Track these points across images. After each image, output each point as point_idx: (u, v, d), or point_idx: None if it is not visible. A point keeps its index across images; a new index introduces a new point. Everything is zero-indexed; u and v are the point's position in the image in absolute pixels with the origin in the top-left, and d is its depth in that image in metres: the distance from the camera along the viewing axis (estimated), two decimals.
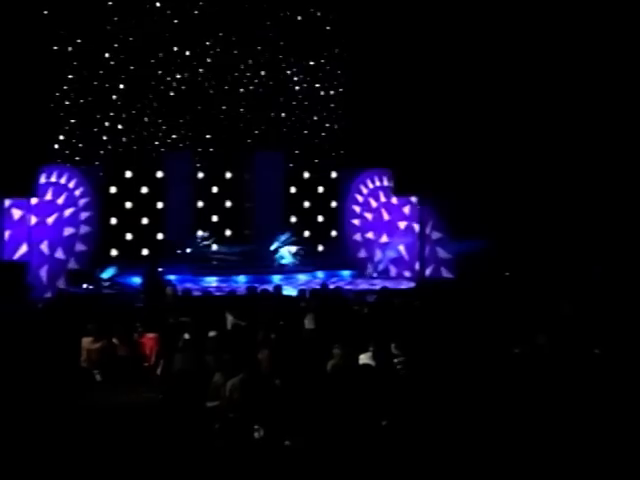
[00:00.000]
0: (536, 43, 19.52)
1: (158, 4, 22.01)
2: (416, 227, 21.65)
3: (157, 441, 8.35)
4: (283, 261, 21.96)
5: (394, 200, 22.34)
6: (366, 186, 23.00)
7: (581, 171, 19.23)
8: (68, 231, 19.48)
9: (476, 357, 9.34)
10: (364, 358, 9.67)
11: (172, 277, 18.50)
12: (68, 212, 19.52)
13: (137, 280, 18.00)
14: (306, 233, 23.33)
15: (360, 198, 23.01)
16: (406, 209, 21.98)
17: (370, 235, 22.84)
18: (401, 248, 21.88)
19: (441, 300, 14.29)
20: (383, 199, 22.64)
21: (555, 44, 19.33)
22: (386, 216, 22.51)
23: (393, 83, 21.37)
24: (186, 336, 11.13)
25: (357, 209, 23.09)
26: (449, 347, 9.94)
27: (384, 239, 22.42)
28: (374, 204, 22.82)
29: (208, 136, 22.87)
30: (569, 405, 8.07)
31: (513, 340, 10.21)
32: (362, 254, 22.90)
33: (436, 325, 11.73)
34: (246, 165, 23.03)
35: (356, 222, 23.07)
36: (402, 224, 22.05)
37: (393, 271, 22.07)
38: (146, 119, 22.09)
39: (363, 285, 20.42)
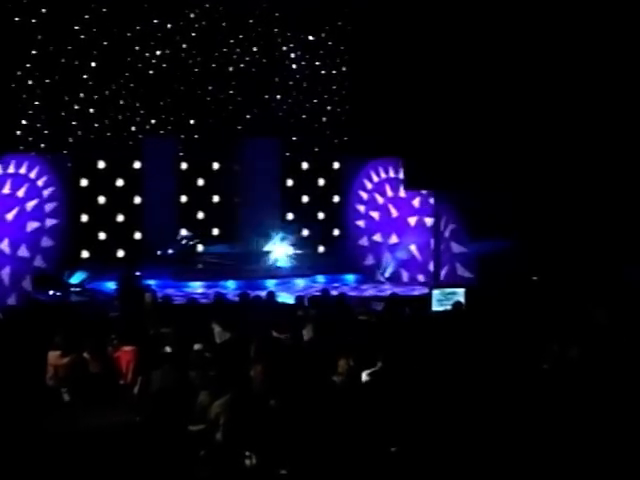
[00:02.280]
0: (565, 16, 19.48)
1: None
2: (428, 221, 21.60)
3: (134, 470, 8.33)
4: (278, 264, 21.95)
5: (402, 193, 22.32)
6: (374, 178, 22.97)
7: (620, 162, 19.19)
8: (32, 226, 19.45)
9: (499, 374, 9.33)
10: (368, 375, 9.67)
11: (151, 282, 18.48)
12: (30, 205, 19.50)
13: (111, 286, 17.98)
14: (305, 232, 23.31)
15: (366, 194, 23.00)
16: (416, 201, 21.95)
17: (378, 236, 22.81)
18: (412, 248, 21.86)
19: (460, 309, 14.28)
20: (391, 193, 22.61)
21: (583, 19, 19.31)
22: (396, 212, 22.48)
23: (404, 60, 21.27)
24: (167, 349, 11.11)
25: (362, 205, 23.07)
26: (469, 362, 9.92)
27: (393, 239, 22.39)
28: (381, 200, 22.80)
29: (192, 121, 22.86)
30: (606, 431, 8.04)
31: (541, 354, 10.20)
32: (369, 256, 22.87)
33: (454, 337, 11.72)
34: (236, 154, 23.00)
35: (361, 223, 23.06)
36: (413, 219, 22.02)
37: (405, 275, 22.05)
38: (121, 101, 22.07)
39: (370, 291, 20.42)
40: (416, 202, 22.03)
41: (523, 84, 19.56)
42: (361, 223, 23.00)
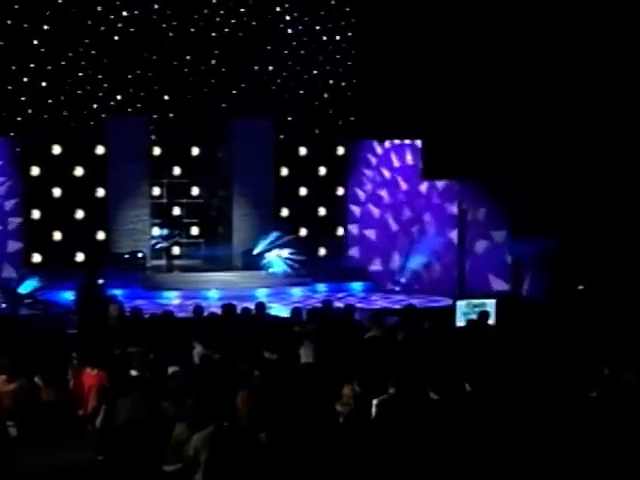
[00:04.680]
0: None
1: None
2: (450, 217, 21.62)
3: None
4: (271, 270, 21.96)
5: (412, 183, 22.35)
6: (385, 169, 23.02)
7: None
8: None
9: (538, 403, 9.33)
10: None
11: (118, 292, 18.50)
12: None
13: (69, 296, 17.97)
14: (303, 231, 23.33)
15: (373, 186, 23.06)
16: (435, 193, 22.00)
17: (390, 235, 22.84)
18: (432, 251, 21.92)
19: (486, 321, 14.28)
20: (406, 185, 22.65)
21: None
22: (412, 206, 22.52)
23: (422, 25, 21.25)
24: (136, 373, 11.11)
25: (370, 200, 23.12)
26: (500, 389, 9.92)
27: (409, 239, 22.44)
28: (394, 193, 22.84)
29: (167, 97, 22.87)
30: None
31: (589, 379, 10.19)
32: (379, 260, 22.90)
33: (483, 357, 11.73)
34: (220, 138, 23.03)
35: (370, 218, 23.11)
36: (432, 215, 22.07)
37: (422, 283, 22.09)
38: (80, 73, 22.09)
39: (381, 302, 20.44)
40: (436, 194, 22.05)
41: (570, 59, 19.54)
42: (370, 220, 23.05)
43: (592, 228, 19.18)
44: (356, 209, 23.49)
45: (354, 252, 23.52)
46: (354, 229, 23.59)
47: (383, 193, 23.09)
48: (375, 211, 23.25)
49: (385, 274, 22.72)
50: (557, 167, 19.29)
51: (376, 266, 22.88)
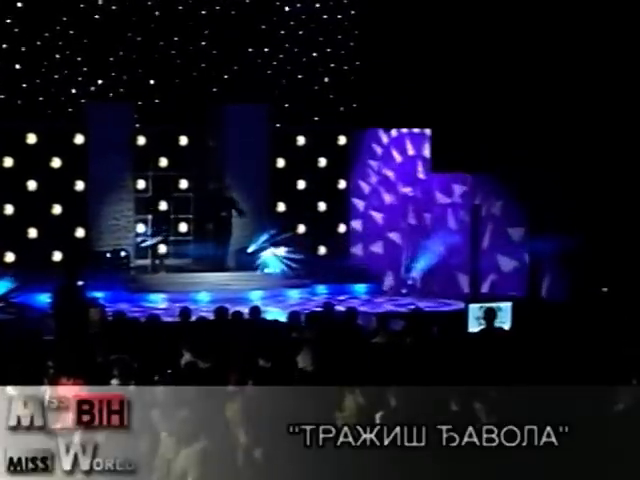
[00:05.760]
0: None
1: None
2: (462, 212, 21.64)
3: None
4: (266, 270, 21.94)
5: (421, 175, 22.35)
6: (395, 157, 23.02)
7: None
8: None
9: (561, 414, 9.29)
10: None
11: (99, 295, 18.50)
12: None
13: (45, 299, 17.96)
14: (301, 228, 23.31)
15: (378, 178, 23.03)
16: (446, 187, 22.02)
17: (395, 232, 22.84)
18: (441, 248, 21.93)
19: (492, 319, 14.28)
20: (413, 176, 22.65)
21: None
22: (419, 201, 22.53)
23: (431, 3, 21.25)
24: (115, 382, 11.09)
25: (375, 193, 23.11)
26: (519, 398, 9.89)
27: (416, 236, 22.45)
28: (400, 186, 22.84)
29: (152, 82, 22.83)
30: None
31: (615, 390, 10.16)
32: (384, 259, 22.90)
33: (499, 365, 11.71)
34: (211, 126, 23.00)
35: (375, 215, 23.09)
36: (442, 210, 22.08)
37: (432, 285, 22.09)
38: (58, 55, 22.05)
39: (386, 305, 20.43)
40: (447, 188, 22.06)
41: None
42: (375, 216, 23.04)
43: (617, 224, 19.18)
44: (359, 204, 23.44)
45: (357, 250, 23.48)
46: (357, 225, 23.56)
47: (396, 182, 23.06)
48: (378, 213, 23.25)
49: (391, 274, 22.72)
50: (580, 157, 19.28)
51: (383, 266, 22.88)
